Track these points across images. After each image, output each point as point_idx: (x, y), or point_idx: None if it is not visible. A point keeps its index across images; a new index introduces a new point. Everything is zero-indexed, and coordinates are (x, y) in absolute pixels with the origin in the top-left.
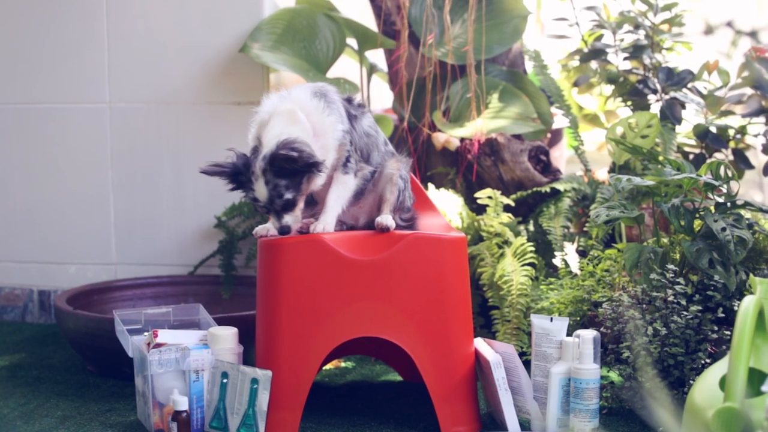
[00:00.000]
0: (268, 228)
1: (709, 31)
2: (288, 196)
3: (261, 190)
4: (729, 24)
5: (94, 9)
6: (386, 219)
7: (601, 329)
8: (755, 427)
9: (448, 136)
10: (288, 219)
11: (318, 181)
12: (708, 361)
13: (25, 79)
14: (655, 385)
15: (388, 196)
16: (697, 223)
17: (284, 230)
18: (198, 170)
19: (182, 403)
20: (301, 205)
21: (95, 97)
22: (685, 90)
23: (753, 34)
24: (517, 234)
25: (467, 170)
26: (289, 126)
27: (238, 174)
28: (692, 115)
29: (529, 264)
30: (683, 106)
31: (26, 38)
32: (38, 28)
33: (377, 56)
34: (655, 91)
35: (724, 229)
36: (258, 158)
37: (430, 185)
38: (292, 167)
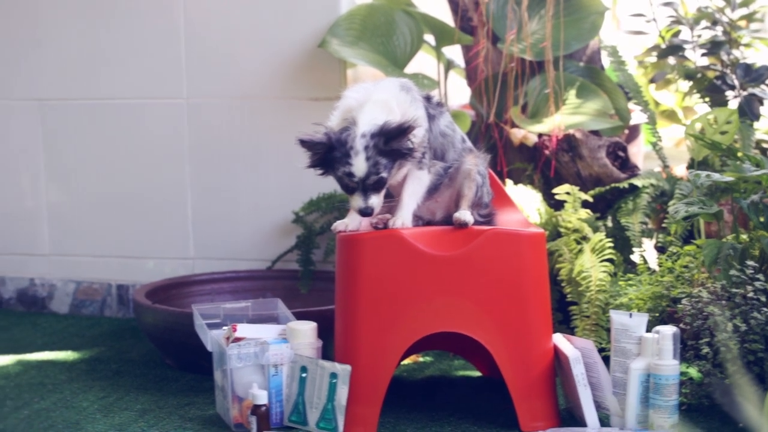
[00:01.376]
0: (346, 223)
1: None
2: (383, 174)
3: (360, 165)
4: None
5: (172, 5)
6: (464, 214)
7: (680, 325)
8: None
9: (526, 132)
10: (373, 200)
11: (402, 172)
12: None
13: (103, 75)
14: (735, 381)
15: (466, 192)
16: None
17: (367, 211)
18: (295, 140)
19: (261, 397)
20: (384, 191)
21: (173, 92)
22: (763, 86)
23: None
24: (595, 230)
25: (545, 166)
26: (385, 114)
27: (333, 148)
28: None
29: (607, 260)
30: (761, 103)
31: (104, 34)
32: (116, 24)
33: (454, 52)
34: (732, 87)
35: None
36: (357, 134)
37: (508, 181)
38: (396, 147)
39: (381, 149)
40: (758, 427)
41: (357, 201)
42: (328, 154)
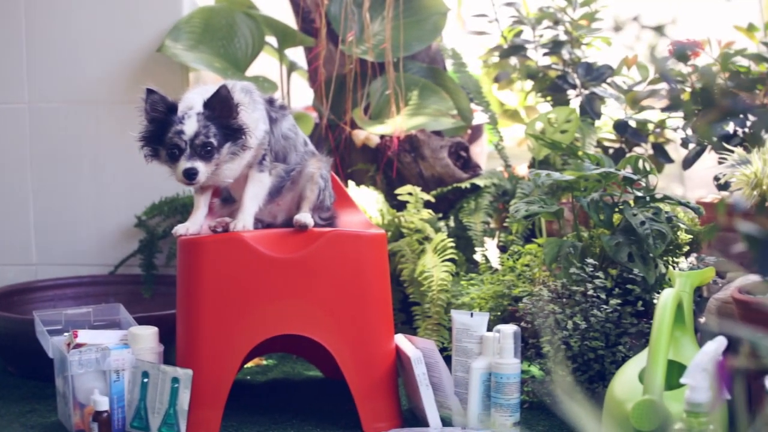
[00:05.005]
0: (187, 227)
1: (618, 27)
2: (212, 140)
3: (191, 125)
4: (635, 19)
5: (12, 8)
6: (305, 217)
7: (522, 324)
8: (674, 420)
9: (368, 134)
10: (198, 165)
11: (233, 165)
12: (628, 354)
13: None
14: (573, 380)
15: (308, 194)
16: (617, 218)
17: (191, 172)
18: (140, 98)
19: (103, 404)
20: (211, 168)
21: (14, 97)
22: (604, 85)
23: (658, 29)
24: (437, 230)
25: (387, 167)
26: None
27: (172, 112)
28: (614, 110)
29: (449, 260)
30: (603, 101)
31: None
32: None
33: (298, 54)
34: (574, 87)
35: (643, 223)
36: (193, 111)
37: (351, 182)
38: (225, 119)
39: (211, 117)
40: (582, 427)
41: (182, 163)
42: (166, 116)
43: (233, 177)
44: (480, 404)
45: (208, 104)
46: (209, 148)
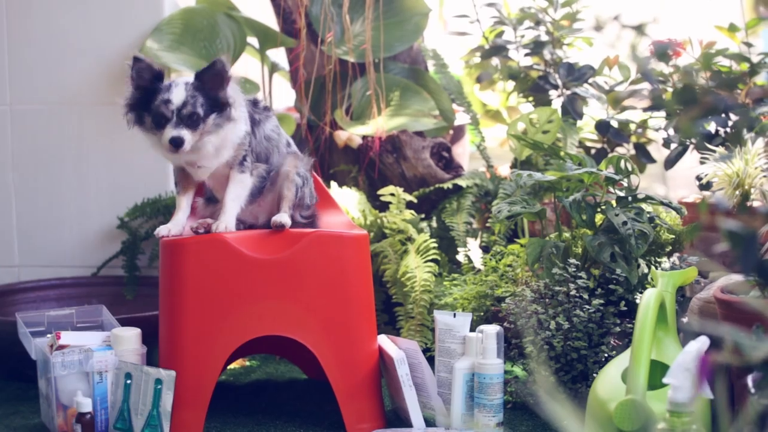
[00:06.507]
0: (169, 228)
1: (599, 26)
2: (199, 110)
3: (179, 93)
4: (616, 18)
5: None
6: (282, 217)
7: (505, 324)
8: (657, 419)
9: (350, 134)
10: (184, 133)
11: (215, 140)
12: (611, 354)
13: None
14: (556, 380)
15: (286, 193)
16: (599, 218)
17: (177, 140)
18: (131, 58)
19: (86, 405)
20: (196, 137)
21: None
22: (586, 85)
23: (639, 28)
24: (420, 230)
25: (370, 167)
26: None
27: (159, 80)
28: (596, 111)
29: (432, 260)
30: (584, 102)
31: None
32: None
33: (280, 55)
34: (556, 87)
35: (625, 223)
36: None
37: (333, 183)
38: (213, 92)
39: (199, 87)
40: (565, 428)
41: (168, 131)
42: (153, 84)
43: (210, 162)
44: (463, 405)
45: (199, 75)
46: (195, 117)
